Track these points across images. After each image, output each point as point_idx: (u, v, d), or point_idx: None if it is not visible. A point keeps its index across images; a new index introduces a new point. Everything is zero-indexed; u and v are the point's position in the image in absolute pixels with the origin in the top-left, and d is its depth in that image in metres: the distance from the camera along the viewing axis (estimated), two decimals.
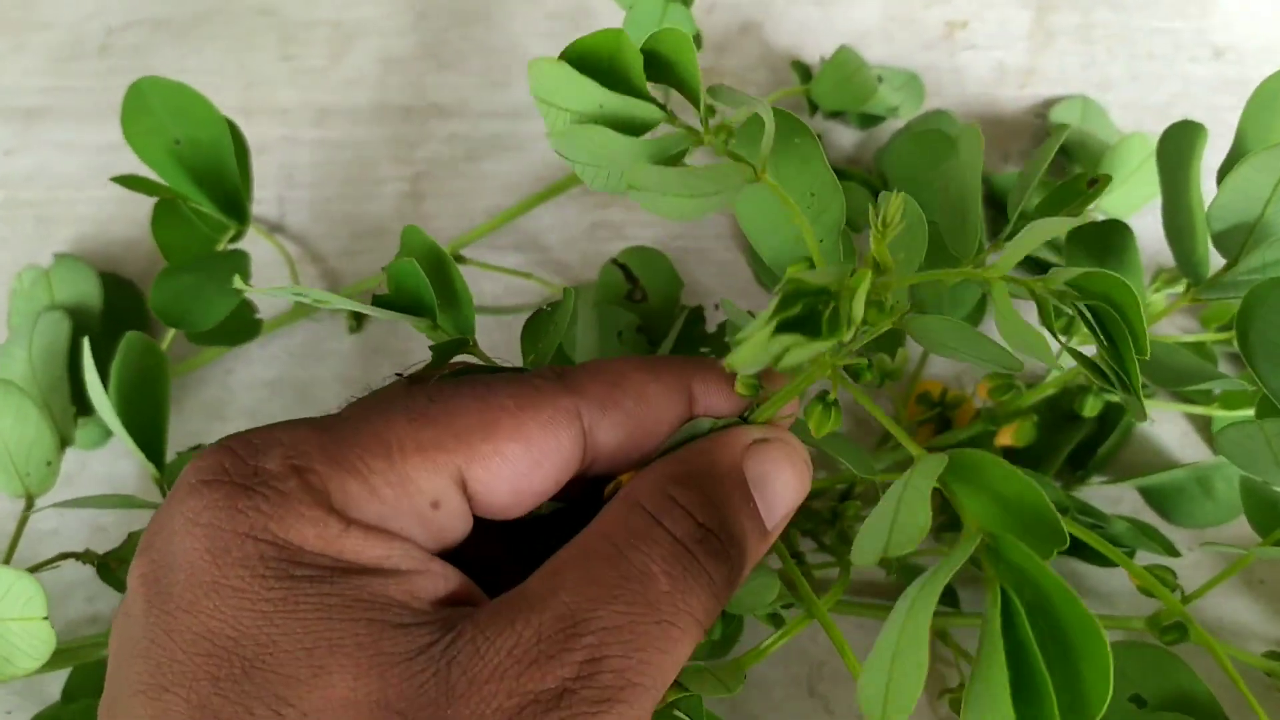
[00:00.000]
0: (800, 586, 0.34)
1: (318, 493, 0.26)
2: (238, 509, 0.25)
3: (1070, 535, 0.41)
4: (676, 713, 0.31)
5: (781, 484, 0.30)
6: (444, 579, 0.27)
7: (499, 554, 0.31)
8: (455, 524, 0.28)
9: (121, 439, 0.40)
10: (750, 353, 0.23)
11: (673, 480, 0.29)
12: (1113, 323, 0.27)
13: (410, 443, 0.27)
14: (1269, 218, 0.33)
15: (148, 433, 0.41)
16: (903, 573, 0.42)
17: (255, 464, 0.26)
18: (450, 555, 0.29)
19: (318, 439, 0.27)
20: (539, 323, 0.36)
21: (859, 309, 0.24)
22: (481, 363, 0.33)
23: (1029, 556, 0.24)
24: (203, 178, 0.42)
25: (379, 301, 0.34)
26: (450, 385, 0.29)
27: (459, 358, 0.33)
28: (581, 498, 0.32)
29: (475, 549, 0.30)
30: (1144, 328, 0.26)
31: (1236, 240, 0.35)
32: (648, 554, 0.27)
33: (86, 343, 0.40)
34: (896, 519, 0.26)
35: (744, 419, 0.31)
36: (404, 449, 0.27)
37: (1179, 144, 0.38)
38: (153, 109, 0.40)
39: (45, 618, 0.35)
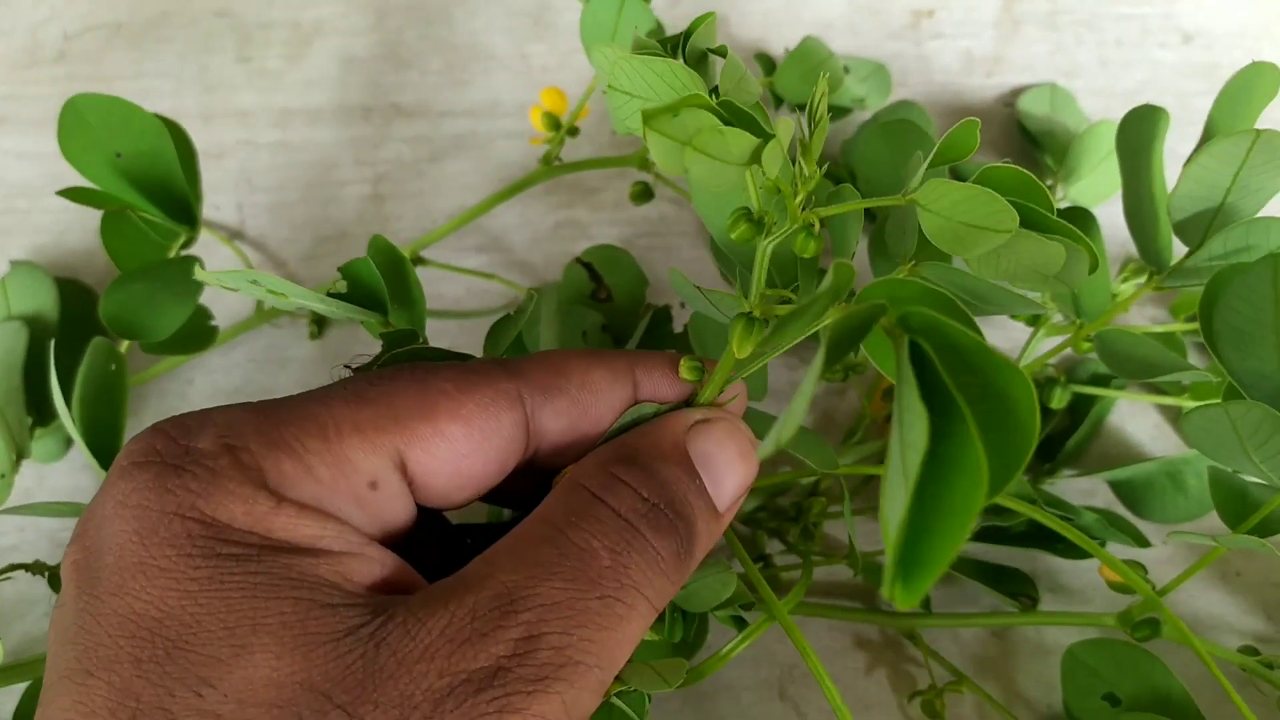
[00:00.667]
0: (761, 588, 0.34)
1: (250, 470, 0.25)
2: (166, 488, 0.25)
3: (1040, 526, 0.41)
4: (615, 701, 0.30)
5: (726, 461, 0.29)
6: (380, 564, 0.26)
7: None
8: (395, 506, 0.27)
9: (79, 447, 0.39)
10: (662, 124, 0.24)
11: (615, 459, 0.29)
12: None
13: (348, 423, 0.27)
14: (1230, 205, 0.33)
15: (105, 441, 0.40)
16: (867, 573, 0.41)
17: (187, 444, 0.26)
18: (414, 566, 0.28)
19: (253, 419, 0.26)
20: (503, 327, 0.36)
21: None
22: (433, 349, 0.33)
23: (936, 317, 0.22)
24: (148, 187, 0.41)
25: (335, 296, 0.34)
26: (391, 370, 0.29)
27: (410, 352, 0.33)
28: (537, 496, 0.31)
29: (442, 563, 0.29)
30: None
31: (1198, 228, 0.34)
32: (589, 530, 0.27)
33: (51, 350, 0.39)
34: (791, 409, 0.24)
35: (689, 405, 0.31)
36: (341, 429, 0.27)
37: (1139, 130, 0.37)
38: (89, 124, 0.39)
39: None
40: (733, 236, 0.27)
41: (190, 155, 0.41)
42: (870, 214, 0.48)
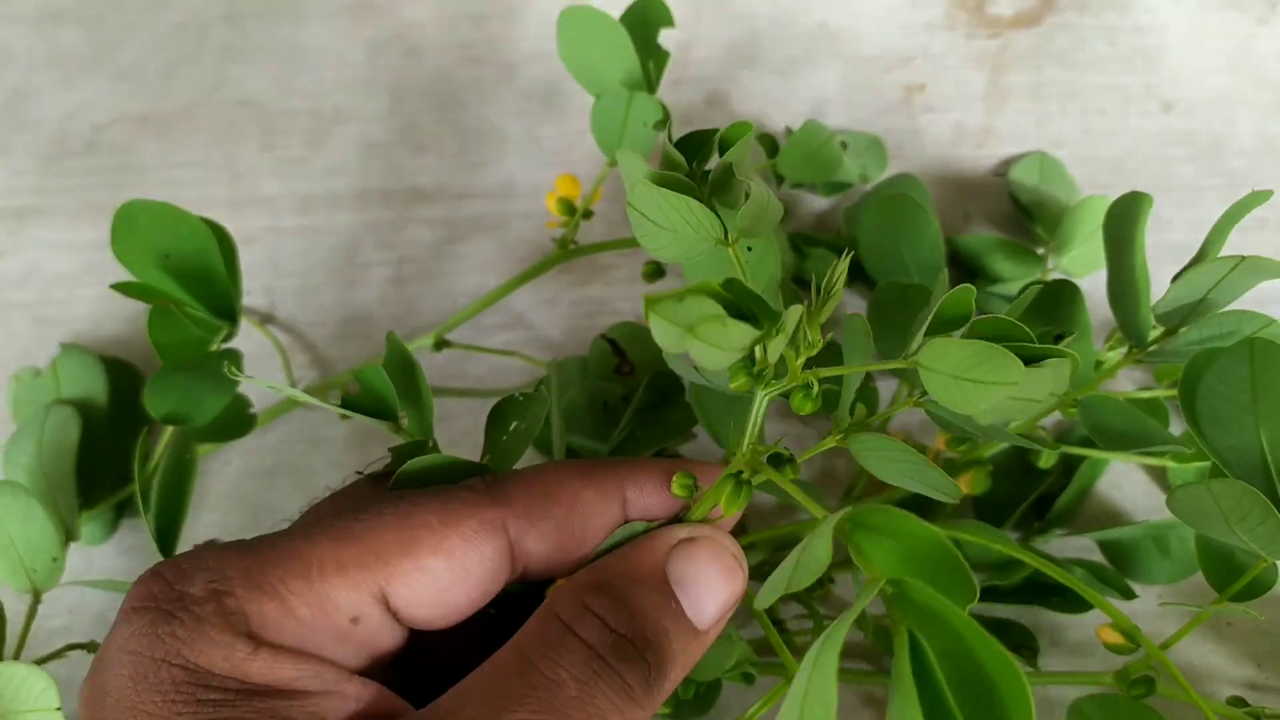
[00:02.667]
0: (780, 653, 0.36)
1: (233, 616, 0.27)
2: (157, 635, 0.27)
3: (1037, 582, 0.44)
4: None
5: (707, 582, 0.30)
6: (356, 699, 0.28)
7: (464, 650, 0.33)
8: (380, 637, 0.29)
9: (146, 531, 0.41)
10: (664, 310, 0.25)
11: (588, 588, 0.30)
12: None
13: (330, 561, 0.28)
14: (1211, 298, 0.35)
15: (167, 526, 0.42)
16: (877, 635, 0.43)
17: (180, 589, 0.28)
18: (407, 660, 0.30)
19: (241, 562, 0.28)
20: (504, 410, 0.38)
21: (776, 349, 0.26)
22: (440, 457, 0.34)
23: (935, 598, 0.25)
24: (193, 285, 0.43)
25: (347, 402, 0.37)
26: (378, 502, 0.30)
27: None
28: (534, 590, 0.33)
29: (441, 651, 0.31)
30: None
31: (1178, 316, 0.36)
32: (557, 661, 0.28)
33: (139, 446, 0.41)
34: (800, 560, 0.26)
35: (680, 520, 0.32)
36: (324, 568, 0.28)
37: (1125, 215, 0.40)
38: (140, 228, 0.42)
39: (58, 708, 0.37)
40: (731, 386, 0.28)
41: (232, 255, 0.43)
42: (869, 280, 0.51)
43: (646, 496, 0.32)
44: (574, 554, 0.32)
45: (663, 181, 0.30)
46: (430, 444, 0.36)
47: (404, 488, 0.32)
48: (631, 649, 0.29)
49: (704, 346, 0.26)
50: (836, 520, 0.26)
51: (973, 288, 0.28)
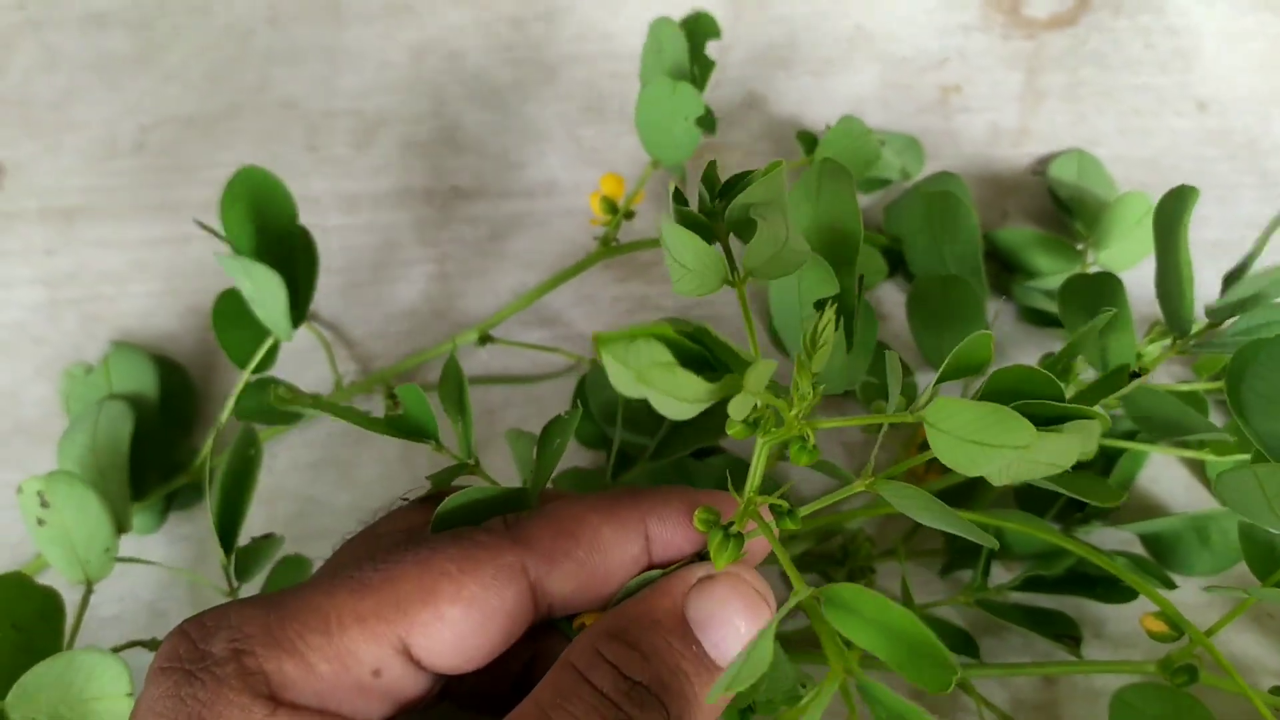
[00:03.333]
0: (829, 646, 0.36)
1: (252, 676, 0.28)
2: (180, 697, 0.28)
3: (1079, 573, 0.44)
4: None
5: (727, 620, 0.30)
6: None
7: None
8: (403, 686, 0.30)
9: (209, 526, 0.42)
10: (615, 351, 0.24)
11: (604, 635, 0.29)
12: None
13: (350, 615, 0.29)
14: (1263, 291, 0.36)
15: (229, 518, 0.43)
16: None
17: (204, 648, 0.28)
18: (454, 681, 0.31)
19: (262, 619, 0.29)
20: (550, 430, 0.38)
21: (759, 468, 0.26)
22: (475, 491, 0.34)
23: (898, 701, 0.24)
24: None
25: (390, 421, 0.38)
26: (399, 549, 0.30)
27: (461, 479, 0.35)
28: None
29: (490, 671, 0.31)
30: None
31: (1227, 311, 0.37)
32: (571, 711, 0.28)
33: (208, 453, 0.41)
34: (742, 666, 0.26)
35: (702, 556, 0.32)
36: (344, 622, 0.29)
37: (1172, 208, 0.40)
38: (246, 197, 0.44)
39: (129, 694, 0.37)
40: (730, 433, 0.28)
41: (311, 258, 0.44)
42: (908, 274, 0.51)
43: (669, 531, 0.32)
44: (598, 591, 0.32)
45: (680, 218, 0.30)
46: (473, 462, 0.36)
47: (444, 527, 0.32)
48: (648, 695, 0.28)
49: (657, 394, 0.24)
50: (805, 596, 0.26)
51: (990, 335, 0.26)
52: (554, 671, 0.29)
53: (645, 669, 0.29)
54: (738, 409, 0.25)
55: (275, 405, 0.43)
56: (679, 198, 0.30)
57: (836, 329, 0.28)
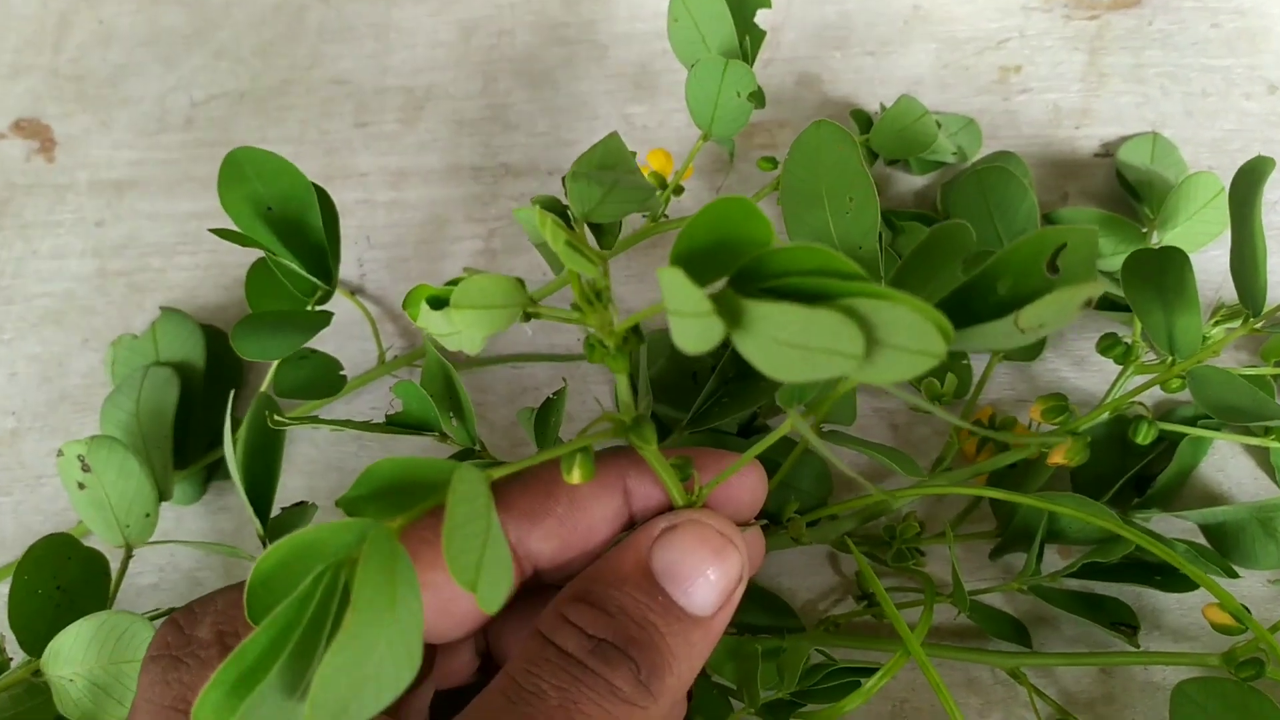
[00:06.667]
0: (897, 623, 0.35)
1: None
2: (167, 682, 0.28)
3: (1137, 561, 0.42)
4: None
5: (693, 567, 0.30)
6: None
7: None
8: None
9: (238, 492, 0.42)
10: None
11: (569, 599, 0.29)
12: None
13: None
14: None
15: (259, 489, 0.43)
16: (974, 613, 0.42)
17: (191, 634, 0.29)
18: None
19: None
20: (546, 409, 0.38)
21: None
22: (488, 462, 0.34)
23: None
24: (292, 241, 0.44)
25: (392, 420, 0.37)
26: None
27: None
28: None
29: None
30: None
31: None
32: (538, 674, 0.28)
33: (230, 406, 0.41)
34: None
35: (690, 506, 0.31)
36: None
37: (1248, 180, 0.39)
38: (246, 177, 0.42)
39: None
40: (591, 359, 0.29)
41: (333, 216, 0.44)
42: (891, 225, 0.50)
43: (649, 485, 0.32)
44: (581, 548, 0.31)
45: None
46: (478, 448, 0.36)
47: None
48: (613, 650, 0.28)
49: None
50: None
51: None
52: (523, 642, 0.29)
53: (609, 626, 0.29)
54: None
55: (271, 425, 0.43)
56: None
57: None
